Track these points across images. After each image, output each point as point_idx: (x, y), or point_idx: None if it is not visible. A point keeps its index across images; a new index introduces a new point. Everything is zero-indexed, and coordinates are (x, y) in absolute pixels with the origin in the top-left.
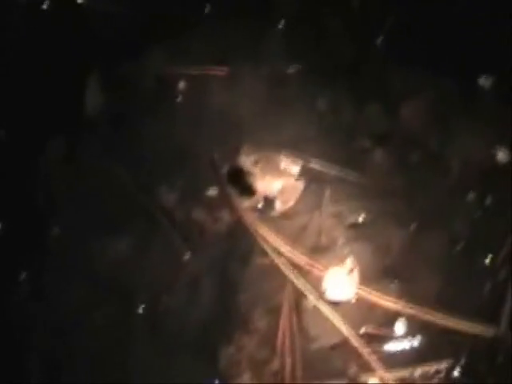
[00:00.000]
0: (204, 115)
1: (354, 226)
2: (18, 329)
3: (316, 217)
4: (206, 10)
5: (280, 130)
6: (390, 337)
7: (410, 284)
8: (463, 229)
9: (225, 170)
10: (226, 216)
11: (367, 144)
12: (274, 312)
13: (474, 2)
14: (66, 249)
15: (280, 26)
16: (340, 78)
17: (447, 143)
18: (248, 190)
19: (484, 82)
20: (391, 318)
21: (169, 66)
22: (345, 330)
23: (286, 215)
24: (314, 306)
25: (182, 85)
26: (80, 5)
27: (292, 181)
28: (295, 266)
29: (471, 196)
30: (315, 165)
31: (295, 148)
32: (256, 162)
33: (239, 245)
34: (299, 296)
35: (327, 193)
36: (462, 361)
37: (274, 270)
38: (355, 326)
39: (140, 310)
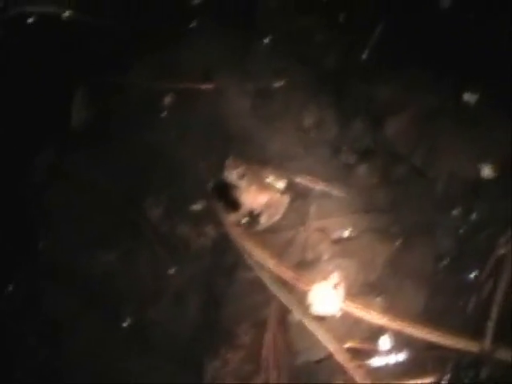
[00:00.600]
0: (190, 129)
1: (340, 241)
2: (5, 340)
3: (301, 232)
4: (192, 25)
5: (265, 145)
6: (375, 351)
7: (395, 299)
8: (448, 244)
9: (210, 184)
10: (211, 230)
11: (352, 159)
12: (260, 326)
13: (459, 19)
14: (53, 261)
15: (265, 42)
16: (325, 94)
17: (432, 159)
18: (233, 204)
19: (469, 97)
20: (376, 332)
21: (155, 81)
22: (330, 344)
23: (271, 230)
24: (300, 321)
25: (168, 99)
26: (66, 19)
27: (278, 195)
28: (280, 281)
29: (456, 211)
30: (300, 180)
31: (280, 163)
32: (241, 176)
33: (224, 259)
34: (284, 311)
35: (312, 208)
36: (447, 376)
37: (260, 284)
38: (340, 341)
39: (125, 324)
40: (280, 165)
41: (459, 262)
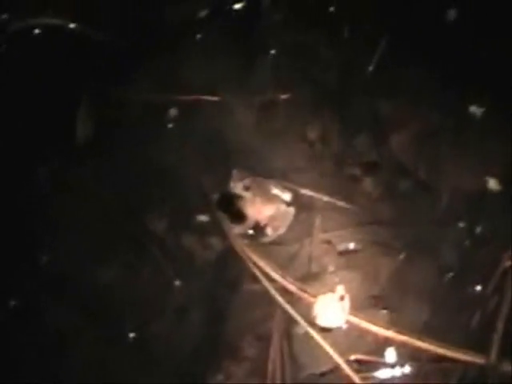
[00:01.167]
0: (194, 142)
1: (345, 253)
2: (8, 353)
3: (307, 244)
4: (196, 38)
5: (270, 158)
6: (380, 364)
7: (400, 312)
8: (453, 258)
9: (215, 196)
10: (216, 242)
11: (357, 173)
12: (264, 339)
13: (464, 32)
14: (55, 275)
15: (270, 55)
16: (330, 108)
17: (437, 172)
18: (238, 217)
19: (475, 111)
20: (381, 345)
21: (159, 94)
22: (335, 357)
23: (276, 242)
24: (305, 333)
25: (172, 112)
26: (71, 32)
27: (283, 207)
28: (285, 293)
29: (461, 225)
30: (305, 192)
31: (285, 176)
32: (247, 188)
33: (229, 271)
34: (289, 323)
35: (317, 221)
36: None
37: (264, 296)
38: (345, 353)
39: (129, 337)
40: (285, 177)
41: (464, 276)
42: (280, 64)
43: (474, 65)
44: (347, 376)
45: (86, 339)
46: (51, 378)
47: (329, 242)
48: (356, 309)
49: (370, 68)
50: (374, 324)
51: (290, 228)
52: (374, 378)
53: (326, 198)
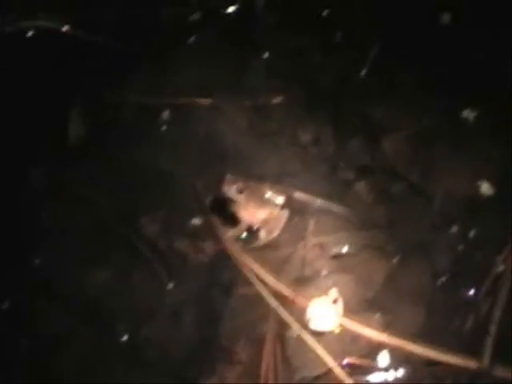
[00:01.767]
0: (187, 145)
1: (338, 257)
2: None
3: (300, 247)
4: (190, 41)
5: (263, 162)
6: (373, 368)
7: (393, 316)
8: (446, 262)
9: (208, 199)
10: (209, 246)
11: (350, 176)
12: (257, 342)
13: (457, 36)
14: (48, 278)
15: (263, 58)
16: (322, 111)
17: (430, 176)
18: (232, 220)
19: (468, 114)
20: (375, 348)
21: (152, 96)
22: (328, 360)
23: (269, 245)
24: (298, 337)
25: (165, 115)
26: (64, 34)
27: (276, 211)
28: (279, 296)
29: (454, 229)
30: (299, 196)
31: (278, 179)
32: (240, 191)
33: (222, 275)
34: (282, 326)
35: (311, 224)
36: None
37: (258, 300)
38: (339, 357)
39: (121, 340)
40: (278, 181)
41: (457, 280)
42: (273, 67)
43: (467, 69)
44: (340, 379)
45: (79, 342)
46: (43, 380)
47: (322, 246)
48: (349, 312)
49: (364, 71)
50: (368, 328)
51: (284, 231)
52: (367, 381)
53: (319, 202)
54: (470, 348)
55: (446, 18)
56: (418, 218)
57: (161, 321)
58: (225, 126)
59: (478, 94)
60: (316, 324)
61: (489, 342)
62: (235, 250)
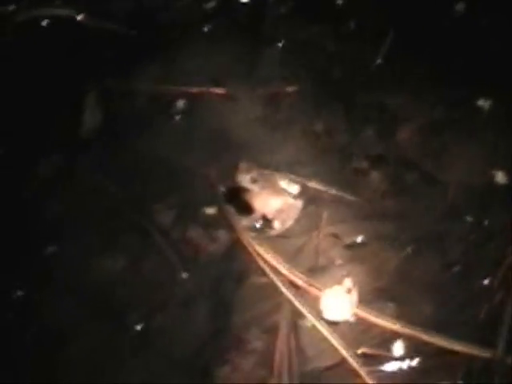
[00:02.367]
0: (200, 134)
1: (352, 246)
2: (11, 347)
3: (313, 237)
4: (203, 30)
5: (276, 151)
6: (387, 357)
7: (407, 305)
8: (460, 251)
9: (222, 188)
10: (222, 235)
11: (364, 166)
12: (271, 332)
13: (471, 26)
14: (61, 267)
15: (276, 48)
16: (336, 100)
17: (443, 166)
18: (246, 209)
19: (482, 104)
20: (389, 338)
21: (166, 85)
22: (342, 350)
23: (283, 235)
24: (312, 326)
25: (178, 104)
26: (78, 23)
27: (291, 200)
28: (293, 286)
29: (467, 219)
30: (313, 185)
31: (292, 169)
32: (254, 180)
33: (236, 264)
34: (296, 316)
35: (324, 214)
36: (459, 382)
37: (271, 289)
38: (353, 347)
39: (134, 329)
40: (292, 170)
41: (470, 270)
42: (287, 57)
43: (481, 58)
44: (354, 369)
45: (91, 331)
46: (54, 368)
47: (336, 235)
48: (363, 302)
49: (377, 61)
50: (381, 317)
51: (297, 221)
52: (380, 371)
53: (332, 191)
54: (484, 338)
55: (460, 7)
56: (431, 207)
57: (174, 310)
58: (238, 115)
59: (491, 83)
60: (330, 314)
61: (502, 332)
62: (249, 239)
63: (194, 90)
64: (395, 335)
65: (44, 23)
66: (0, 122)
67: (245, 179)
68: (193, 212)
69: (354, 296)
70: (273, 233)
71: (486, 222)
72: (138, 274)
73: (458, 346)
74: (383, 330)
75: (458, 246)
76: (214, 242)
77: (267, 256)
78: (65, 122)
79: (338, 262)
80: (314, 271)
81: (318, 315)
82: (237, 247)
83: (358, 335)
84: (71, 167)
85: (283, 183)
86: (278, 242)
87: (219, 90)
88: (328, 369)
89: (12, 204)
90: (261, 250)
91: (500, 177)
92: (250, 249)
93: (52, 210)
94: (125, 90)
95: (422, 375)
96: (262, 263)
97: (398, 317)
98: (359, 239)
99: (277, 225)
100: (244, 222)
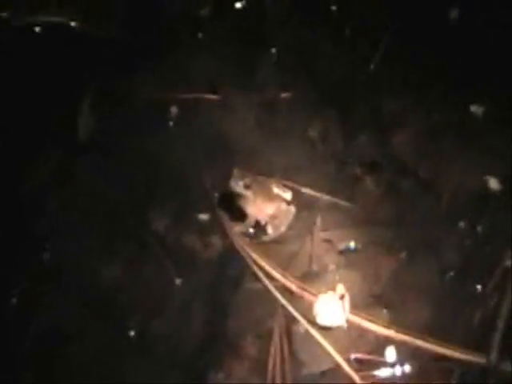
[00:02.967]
0: (195, 140)
1: (345, 252)
2: (10, 350)
3: (307, 243)
4: (199, 36)
5: (271, 157)
6: (380, 363)
7: (400, 312)
8: (454, 257)
9: (216, 194)
10: (216, 241)
11: (358, 172)
12: (265, 337)
13: (465, 31)
14: (58, 273)
15: (272, 54)
16: (331, 106)
17: (438, 171)
18: (239, 215)
19: (476, 109)
20: (382, 344)
21: (161, 91)
22: (336, 355)
23: (277, 240)
24: (305, 332)
25: (173, 110)
26: (74, 29)
27: (284, 206)
28: (286, 291)
29: (462, 224)
30: (306, 191)
31: (286, 175)
32: (248, 186)
33: (230, 270)
34: (290, 321)
35: (318, 220)
36: None
37: (265, 294)
38: (346, 352)
39: (130, 334)
40: (286, 176)
41: (464, 275)
42: (282, 62)
43: (476, 64)
44: (347, 375)
45: (88, 336)
46: (53, 371)
47: (329, 241)
48: (356, 308)
49: (372, 67)
50: (375, 323)
51: (291, 227)
52: (374, 376)
53: (326, 197)
54: (478, 343)
55: (454, 13)
56: (425, 213)
57: (169, 315)
58: (233, 121)
59: (485, 89)
60: (323, 319)
61: (496, 338)
62: (242, 245)
63: (190, 95)
64: (389, 341)
65: (40, 29)
66: None
67: (238, 185)
68: (187, 218)
69: (347, 302)
70: (266, 238)
71: (481, 228)
72: (133, 279)
73: (451, 352)
74: (377, 336)
75: (453, 252)
76: (208, 247)
77: (261, 261)
78: (60, 127)
79: (332, 267)
80: (308, 277)
81: (312, 321)
82: (231, 253)
83: (351, 340)
84: (67, 174)
85: (277, 189)
86: (272, 247)
87: (214, 96)
88: (321, 374)
89: (10, 208)
90: (255, 255)
91: (494, 183)
92: (243, 254)
93: (49, 215)
94: (120, 95)
95: (416, 380)
96: (255, 269)
97: (392, 322)
98: (353, 245)
99: (270, 230)
100: (238, 227)
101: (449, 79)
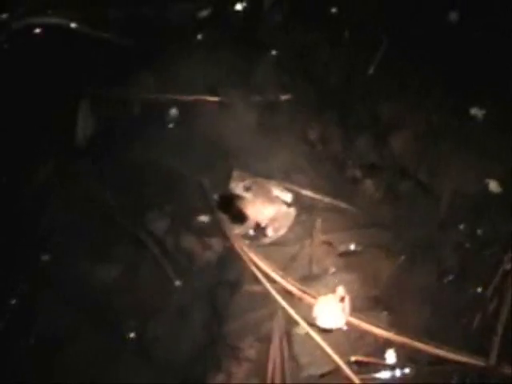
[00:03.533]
0: (194, 142)
1: (345, 255)
2: (7, 354)
3: (307, 245)
4: (198, 38)
5: (270, 159)
6: (380, 366)
7: (400, 314)
8: (453, 260)
9: (215, 196)
10: (216, 243)
11: (357, 174)
12: (265, 339)
13: (465, 34)
14: (56, 275)
15: (271, 56)
16: (331, 109)
17: (437, 174)
18: (239, 217)
19: (476, 112)
20: (382, 346)
21: (159, 93)
22: (336, 357)
23: (277, 243)
24: (305, 334)
25: (172, 112)
26: (73, 31)
27: (284, 208)
28: (286, 294)
29: (461, 227)
30: (306, 194)
31: (286, 177)
32: (247, 188)
33: (229, 272)
34: (290, 324)
35: (318, 222)
36: None
37: (265, 297)
38: (346, 355)
39: (129, 337)
40: (286, 178)
41: (464, 278)
42: (281, 65)
43: (475, 67)
44: (347, 377)
45: (86, 338)
46: (50, 376)
47: (329, 244)
48: (356, 310)
49: (371, 69)
50: (374, 325)
51: (291, 229)
52: (373, 379)
53: (326, 200)
54: (477, 346)
55: (453, 16)
56: (425, 216)
57: (168, 318)
58: (232, 123)
59: (485, 92)
60: (323, 322)
61: (495, 341)
62: (242, 247)
63: (189, 97)
64: (388, 343)
65: (38, 31)
66: None
67: (238, 187)
68: (186, 220)
69: (347, 304)
70: (266, 241)
71: (481, 231)
72: (132, 282)
73: (451, 355)
74: (376, 338)
75: (453, 255)
76: (207, 250)
77: (261, 264)
78: (58, 130)
79: (332, 270)
80: (308, 279)
81: (312, 323)
82: (230, 255)
83: (351, 343)
84: (66, 176)
85: (277, 191)
86: (272, 249)
87: (213, 98)
88: (321, 377)
89: (7, 212)
90: (254, 257)
91: (494, 186)
92: (243, 257)
93: (46, 217)
94: (119, 97)
95: (415, 383)
96: (255, 271)
97: (392, 325)
98: (353, 247)
99: (270, 233)
100: (237, 229)
101: (448, 82)
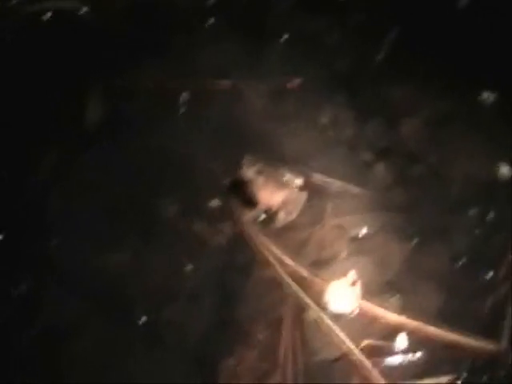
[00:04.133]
0: (205, 127)
1: (356, 239)
2: (15, 341)
3: (318, 229)
4: (207, 24)
5: (281, 144)
6: (391, 350)
7: (412, 298)
8: (464, 245)
9: (226, 181)
10: (227, 227)
11: (369, 158)
12: (276, 324)
13: (475, 18)
14: (66, 261)
15: (281, 41)
16: (341, 93)
17: (448, 159)
18: (250, 201)
19: (486, 96)
20: (393, 331)
21: (170, 79)
22: (347, 342)
23: (288, 227)
24: (316, 319)
25: (183, 97)
26: (82, 17)
27: (295, 192)
28: (297, 279)
29: (472, 211)
30: (317, 178)
31: (297, 161)
32: (258, 173)
33: (241, 257)
34: (301, 308)
35: (329, 206)
36: (463, 375)
37: (276, 282)
38: (357, 339)
39: (140, 322)
40: (297, 163)
41: (475, 263)
42: (291, 50)
43: (485, 51)
44: (359, 361)
45: (96, 324)
46: (60, 364)
47: (341, 227)
48: (368, 294)
49: (381, 54)
50: (386, 310)
51: (302, 213)
52: (385, 364)
53: (338, 183)
54: (489, 330)
55: (464, 0)
56: (436, 200)
57: (179, 303)
58: (243, 108)
59: (495, 77)
60: (334, 306)
61: (506, 325)
62: (253, 232)
63: (199, 83)
64: (400, 328)
65: (47, 17)
66: (1, 116)
67: (249, 172)
68: (197, 205)
69: (359, 288)
70: (277, 225)
71: (491, 215)
72: (143, 267)
73: (462, 339)
74: (388, 323)
75: (464, 239)
76: (218, 234)
77: (272, 248)
78: (67, 118)
79: (343, 254)
80: (319, 263)
81: (323, 307)
82: (241, 240)
83: (362, 327)
84: (75, 162)
85: (288, 175)
86: (283, 234)
87: (224, 84)
88: (333, 361)
89: (14, 199)
90: (265, 242)
91: (505, 170)
92: (254, 241)
93: (55, 203)
94: (128, 84)
95: (427, 368)
96: (266, 255)
97: (403, 309)
98: (364, 231)
99: (281, 217)
100: (248, 214)
101: (458, 67)
